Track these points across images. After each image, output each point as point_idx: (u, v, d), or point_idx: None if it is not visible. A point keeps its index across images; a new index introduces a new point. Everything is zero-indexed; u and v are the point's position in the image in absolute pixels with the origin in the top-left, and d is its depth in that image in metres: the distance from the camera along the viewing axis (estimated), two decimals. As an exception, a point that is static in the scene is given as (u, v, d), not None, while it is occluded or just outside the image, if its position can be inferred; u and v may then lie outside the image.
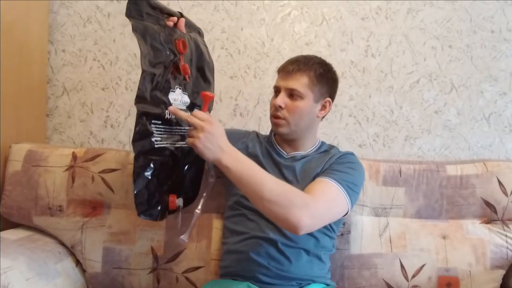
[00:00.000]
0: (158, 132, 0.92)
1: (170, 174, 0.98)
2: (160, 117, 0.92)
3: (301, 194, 0.94)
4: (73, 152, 1.29)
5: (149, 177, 0.90)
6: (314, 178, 1.09)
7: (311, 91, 1.09)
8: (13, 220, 1.28)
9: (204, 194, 1.16)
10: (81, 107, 1.60)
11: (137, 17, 0.88)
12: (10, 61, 1.32)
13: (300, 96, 1.08)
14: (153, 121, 0.90)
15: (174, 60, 0.94)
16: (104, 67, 1.60)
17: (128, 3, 0.87)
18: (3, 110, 1.30)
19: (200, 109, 1.06)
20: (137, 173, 0.88)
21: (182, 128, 1.00)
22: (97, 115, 1.60)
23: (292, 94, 1.09)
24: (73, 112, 1.61)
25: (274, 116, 1.11)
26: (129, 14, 0.87)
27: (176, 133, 0.98)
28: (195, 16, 1.57)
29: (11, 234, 1.21)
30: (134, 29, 0.86)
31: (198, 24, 1.55)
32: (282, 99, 1.09)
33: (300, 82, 1.08)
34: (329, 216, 1.02)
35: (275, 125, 1.12)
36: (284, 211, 0.90)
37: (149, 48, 0.88)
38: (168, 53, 0.92)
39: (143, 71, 0.86)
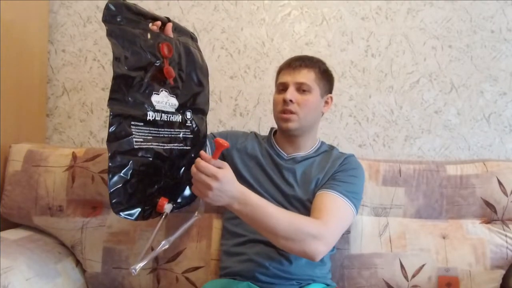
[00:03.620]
0: (140, 134, 0.92)
1: (159, 176, 0.98)
2: (142, 119, 0.93)
3: (314, 225, 0.95)
4: (73, 152, 1.29)
5: (127, 177, 0.91)
6: (315, 184, 1.10)
7: (318, 86, 1.12)
8: (13, 220, 1.28)
9: (183, 228, 1.01)
10: (81, 107, 1.60)
11: (114, 22, 0.90)
12: (10, 61, 1.32)
13: (309, 90, 1.10)
14: (132, 123, 0.91)
15: (157, 64, 0.95)
16: (104, 67, 1.60)
17: (104, 9, 0.89)
18: (3, 110, 1.30)
19: (194, 116, 1.05)
20: (113, 172, 0.89)
21: (173, 130, 1.00)
22: (97, 115, 1.60)
23: (301, 88, 1.10)
24: (73, 112, 1.61)
25: (283, 112, 1.11)
26: (105, 19, 0.89)
27: (165, 135, 0.98)
28: (195, 16, 1.57)
29: (11, 234, 1.21)
30: (109, 34, 0.88)
31: (198, 24, 1.57)
32: (291, 94, 1.09)
33: (308, 77, 1.11)
34: (340, 233, 1.04)
35: (284, 120, 1.11)
36: (300, 246, 0.92)
37: (127, 52, 0.89)
38: (149, 56, 0.93)
39: (117, 75, 0.87)
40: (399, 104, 1.56)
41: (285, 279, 1.05)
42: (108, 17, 0.89)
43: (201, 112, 1.09)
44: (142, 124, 0.93)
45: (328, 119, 1.55)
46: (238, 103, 1.58)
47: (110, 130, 0.88)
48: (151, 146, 0.95)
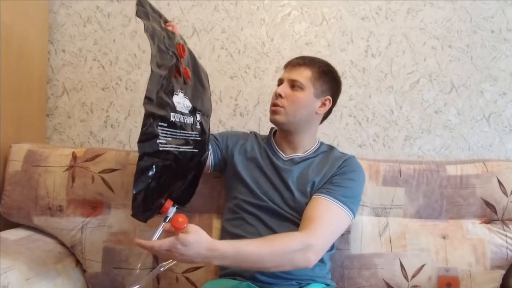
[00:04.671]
0: (164, 135, 0.90)
1: (173, 179, 0.97)
2: (166, 120, 0.91)
3: (298, 239, 0.95)
4: (73, 152, 1.29)
5: (150, 180, 0.89)
6: (311, 187, 1.09)
7: (312, 85, 1.12)
8: (13, 220, 1.28)
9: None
10: (81, 107, 1.60)
11: (145, 18, 0.90)
12: (10, 61, 1.32)
13: (301, 88, 1.11)
14: (160, 123, 0.89)
15: (176, 64, 0.94)
16: (104, 67, 1.60)
17: (136, 5, 0.90)
18: (3, 110, 1.30)
19: (202, 118, 1.05)
20: (140, 174, 0.87)
21: (186, 132, 0.99)
22: (97, 115, 1.60)
23: (294, 85, 1.11)
24: (73, 112, 1.61)
25: (273, 105, 1.13)
26: (139, 15, 0.89)
27: (180, 138, 0.97)
28: (195, 16, 1.57)
29: (11, 234, 1.21)
30: (146, 30, 0.88)
31: (198, 24, 1.58)
32: (283, 89, 1.12)
33: (303, 75, 1.11)
34: (333, 239, 1.05)
35: (272, 112, 1.13)
36: (290, 264, 0.94)
37: (156, 49, 0.88)
38: (171, 55, 0.93)
39: (152, 72, 0.86)
40: (399, 104, 1.56)
41: (285, 279, 1.05)
42: (142, 13, 0.89)
43: (206, 114, 1.09)
44: (166, 125, 0.91)
45: (328, 119, 1.54)
46: (238, 103, 1.58)
47: (143, 129, 0.85)
48: (171, 149, 0.93)
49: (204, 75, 1.10)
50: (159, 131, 0.89)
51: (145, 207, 0.91)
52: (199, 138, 1.03)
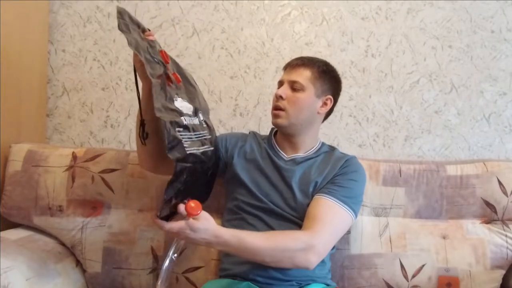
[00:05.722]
0: (185, 139, 0.91)
1: (196, 181, 0.98)
2: (180, 124, 0.91)
3: (301, 238, 0.97)
4: (73, 152, 1.29)
5: (180, 185, 0.90)
6: (314, 187, 1.09)
7: (313, 85, 1.12)
8: (13, 220, 1.28)
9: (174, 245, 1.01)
10: (81, 107, 1.60)
11: (127, 31, 0.90)
12: (10, 61, 1.32)
13: (301, 88, 1.11)
14: (177, 129, 0.89)
15: (165, 71, 0.95)
16: (104, 67, 1.60)
17: (117, 18, 0.90)
18: (3, 110, 1.30)
19: (204, 116, 1.05)
20: (174, 180, 0.87)
21: (199, 132, 0.99)
22: (97, 115, 1.60)
23: (294, 87, 1.11)
24: (73, 112, 1.61)
25: (274, 108, 1.13)
26: (121, 29, 0.89)
27: (196, 139, 0.97)
28: (195, 16, 1.57)
29: (11, 234, 1.22)
30: (130, 44, 0.88)
31: (198, 24, 1.58)
32: (283, 90, 1.12)
33: (303, 75, 1.11)
34: (335, 240, 1.05)
35: (274, 116, 1.13)
36: (290, 263, 0.95)
37: (145, 61, 0.89)
38: (158, 63, 0.93)
39: (151, 83, 0.87)
40: (399, 104, 1.56)
41: (285, 280, 1.05)
42: (123, 26, 0.90)
43: (206, 112, 1.10)
44: (182, 129, 0.92)
45: (328, 119, 1.54)
46: (238, 103, 1.58)
47: (165, 139, 0.85)
48: (194, 151, 0.93)
49: (189, 75, 1.11)
50: (180, 135, 0.89)
51: (172, 211, 0.92)
52: (210, 136, 1.04)
